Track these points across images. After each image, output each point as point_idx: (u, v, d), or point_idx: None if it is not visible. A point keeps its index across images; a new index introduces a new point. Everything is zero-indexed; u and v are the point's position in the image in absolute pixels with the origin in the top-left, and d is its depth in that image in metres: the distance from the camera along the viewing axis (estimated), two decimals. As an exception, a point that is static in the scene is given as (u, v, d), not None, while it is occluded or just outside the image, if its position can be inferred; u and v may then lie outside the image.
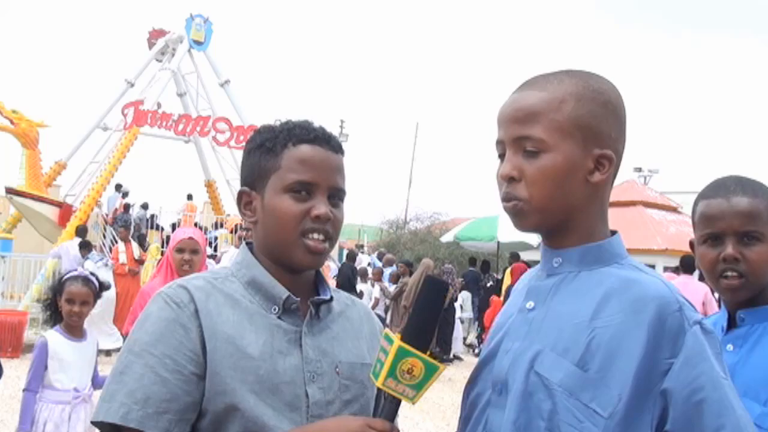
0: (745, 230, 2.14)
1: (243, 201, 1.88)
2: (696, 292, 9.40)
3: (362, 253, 22.30)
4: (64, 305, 4.72)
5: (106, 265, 13.97)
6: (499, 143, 1.66)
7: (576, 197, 1.61)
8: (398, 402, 1.61)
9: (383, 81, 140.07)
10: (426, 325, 1.62)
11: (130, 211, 22.94)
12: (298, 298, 1.81)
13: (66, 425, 4.58)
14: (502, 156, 1.66)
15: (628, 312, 1.50)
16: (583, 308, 1.55)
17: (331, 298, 1.88)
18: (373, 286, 15.48)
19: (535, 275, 1.73)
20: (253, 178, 1.85)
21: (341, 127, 43.79)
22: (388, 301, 14.99)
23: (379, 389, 1.61)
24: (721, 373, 1.48)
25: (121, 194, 24.27)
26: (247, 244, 1.92)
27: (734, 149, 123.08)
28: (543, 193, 1.59)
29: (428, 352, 1.59)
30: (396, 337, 1.58)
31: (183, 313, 1.71)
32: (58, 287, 4.77)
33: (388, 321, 14.79)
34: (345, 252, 20.62)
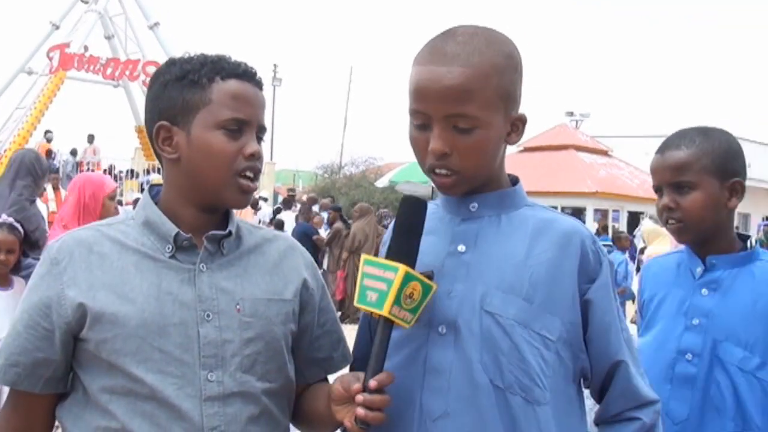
0: (675, 181, 2.29)
1: (161, 136, 1.80)
2: None
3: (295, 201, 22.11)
4: None
5: None
6: (420, 114, 1.68)
7: (498, 159, 1.75)
8: (392, 328, 1.63)
9: (316, 24, 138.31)
10: (414, 247, 1.66)
11: (56, 158, 22.40)
12: (189, 235, 1.77)
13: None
14: (421, 126, 1.69)
15: (556, 247, 1.69)
16: (516, 248, 1.69)
17: (230, 233, 1.82)
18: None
19: (446, 219, 1.78)
20: (174, 111, 1.77)
21: (274, 71, 43.34)
22: (323, 247, 14.99)
23: (374, 318, 1.64)
24: (616, 301, 1.75)
25: (46, 140, 23.69)
26: (151, 187, 1.88)
27: (664, 93, 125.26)
28: (475, 165, 1.69)
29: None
30: (399, 265, 1.60)
31: (54, 269, 1.75)
32: None
33: (325, 267, 14.81)
34: (280, 198, 20.55)
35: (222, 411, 1.71)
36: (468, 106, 1.62)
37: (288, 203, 19.81)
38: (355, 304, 1.66)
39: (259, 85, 1.84)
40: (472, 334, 1.64)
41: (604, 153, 26.94)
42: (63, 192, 15.33)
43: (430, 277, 1.64)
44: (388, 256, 1.64)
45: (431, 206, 1.83)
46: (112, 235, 1.79)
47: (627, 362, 1.70)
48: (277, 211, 19.05)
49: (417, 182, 20.18)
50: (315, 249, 13.75)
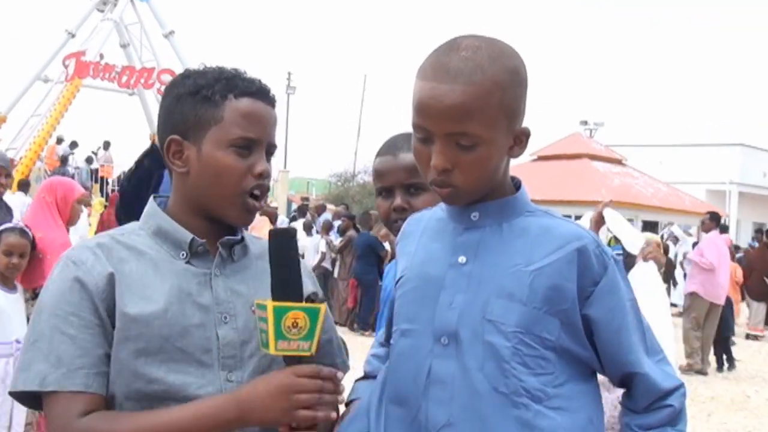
0: (410, 182, 2.33)
1: (172, 150, 1.81)
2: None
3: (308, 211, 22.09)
4: (2, 257, 4.61)
5: None
6: (423, 129, 1.68)
7: (500, 172, 1.74)
8: (299, 361, 1.67)
9: (331, 33, 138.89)
10: (290, 276, 1.69)
11: (69, 164, 22.45)
12: (204, 240, 1.80)
13: (11, 378, 4.47)
14: (423, 140, 1.69)
15: (557, 254, 1.68)
16: (516, 258, 1.69)
17: (242, 239, 1.86)
18: (322, 238, 15.46)
19: (449, 227, 1.79)
20: (186, 126, 1.79)
21: (288, 79, 43.51)
22: (334, 255, 15.00)
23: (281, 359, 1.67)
24: (631, 295, 1.75)
25: (68, 147, 23.80)
26: (155, 197, 1.89)
27: (679, 102, 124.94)
28: (477, 178, 1.68)
29: (304, 300, 1.68)
30: (266, 302, 1.64)
31: (80, 269, 1.72)
32: None
33: (335, 274, 14.82)
34: (294, 206, 20.55)
35: None
36: (470, 124, 1.62)
37: (302, 211, 19.85)
38: (261, 348, 1.70)
39: (272, 102, 1.85)
40: (473, 344, 1.66)
41: (619, 162, 26.90)
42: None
43: (312, 300, 1.69)
44: (271, 290, 1.69)
45: (438, 211, 1.85)
46: (126, 242, 1.80)
47: (641, 362, 1.71)
48: (292, 220, 19.08)
49: (430, 190, 20.16)
50: (380, 262, 13.61)
